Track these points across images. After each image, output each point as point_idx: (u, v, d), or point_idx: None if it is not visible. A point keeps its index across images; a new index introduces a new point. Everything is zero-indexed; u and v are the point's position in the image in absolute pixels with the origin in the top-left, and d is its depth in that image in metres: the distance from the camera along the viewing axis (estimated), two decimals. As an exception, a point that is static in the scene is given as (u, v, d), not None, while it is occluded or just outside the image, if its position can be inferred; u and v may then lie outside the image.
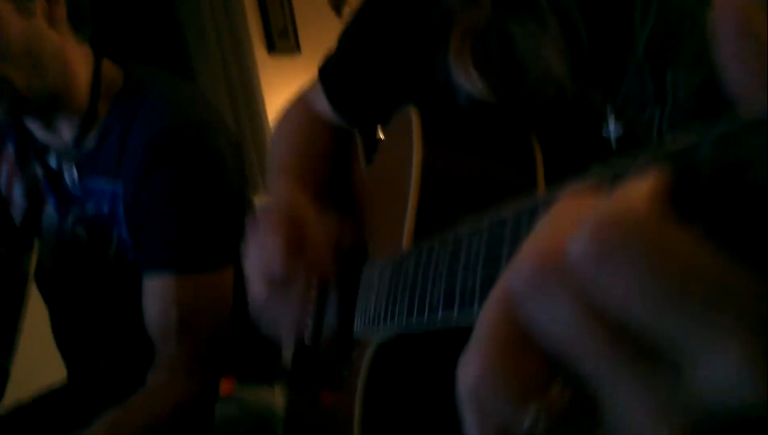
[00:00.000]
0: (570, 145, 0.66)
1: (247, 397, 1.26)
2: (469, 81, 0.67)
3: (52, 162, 1.21)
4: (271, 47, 3.41)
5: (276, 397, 1.28)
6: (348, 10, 3.82)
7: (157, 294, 1.08)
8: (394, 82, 0.83)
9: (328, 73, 0.94)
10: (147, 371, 1.11)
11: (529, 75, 0.66)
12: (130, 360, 1.24)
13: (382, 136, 0.88)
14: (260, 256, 0.78)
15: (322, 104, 0.95)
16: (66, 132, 1.17)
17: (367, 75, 0.87)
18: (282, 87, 3.28)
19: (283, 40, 3.46)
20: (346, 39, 0.92)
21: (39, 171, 1.22)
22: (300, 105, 1.02)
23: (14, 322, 1.08)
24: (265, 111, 3.16)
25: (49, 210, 1.22)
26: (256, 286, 0.78)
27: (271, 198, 0.90)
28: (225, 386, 1.25)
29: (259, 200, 1.57)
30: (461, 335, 0.56)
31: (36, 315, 1.35)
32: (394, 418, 0.65)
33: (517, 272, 0.24)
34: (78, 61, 1.13)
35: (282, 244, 0.76)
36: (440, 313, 0.47)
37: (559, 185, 0.28)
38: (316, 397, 0.92)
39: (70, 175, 1.19)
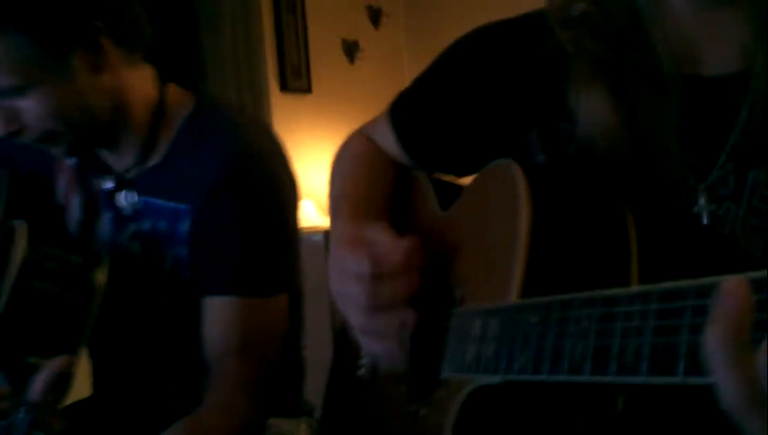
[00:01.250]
0: (662, 217, 0.70)
1: (274, 426, 1.27)
2: (598, 110, 0.70)
3: (109, 184, 1.23)
4: (284, 85, 3.48)
5: (301, 431, 1.30)
6: (359, 55, 3.91)
7: (219, 314, 1.11)
8: (476, 133, 0.85)
9: (401, 114, 0.94)
10: (175, 390, 1.10)
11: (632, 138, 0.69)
12: (163, 378, 1.26)
13: (464, 181, 0.90)
14: (348, 285, 0.78)
15: (388, 144, 0.95)
16: (127, 153, 1.21)
17: (447, 123, 0.88)
18: (291, 125, 3.33)
19: (296, 79, 3.52)
20: (424, 83, 0.92)
21: (98, 186, 1.25)
22: (361, 138, 1.01)
23: (78, 338, 1.09)
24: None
25: (105, 223, 1.24)
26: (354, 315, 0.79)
27: (338, 223, 0.89)
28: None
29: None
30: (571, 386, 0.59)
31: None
32: None
33: None
34: (135, 87, 1.16)
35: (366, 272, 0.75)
36: (587, 369, 0.50)
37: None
38: None
39: (127, 198, 1.21)
